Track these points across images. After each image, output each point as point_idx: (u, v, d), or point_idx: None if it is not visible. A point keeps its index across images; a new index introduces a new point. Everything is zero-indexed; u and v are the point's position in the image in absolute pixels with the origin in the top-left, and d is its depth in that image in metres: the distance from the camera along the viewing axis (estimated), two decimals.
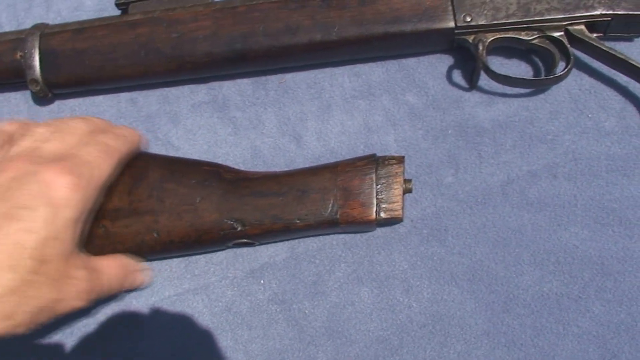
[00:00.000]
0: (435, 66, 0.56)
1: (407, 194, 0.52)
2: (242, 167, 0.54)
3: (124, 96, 0.59)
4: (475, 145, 0.54)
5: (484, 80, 0.55)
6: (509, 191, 0.52)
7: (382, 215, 0.49)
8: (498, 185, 0.53)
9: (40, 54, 0.55)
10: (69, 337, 0.53)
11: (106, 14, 0.59)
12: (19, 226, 0.40)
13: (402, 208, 0.50)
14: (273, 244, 0.53)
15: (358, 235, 0.53)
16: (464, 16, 0.52)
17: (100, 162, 0.46)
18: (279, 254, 0.53)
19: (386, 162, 0.50)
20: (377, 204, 0.49)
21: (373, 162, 0.50)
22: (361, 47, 0.54)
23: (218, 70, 0.56)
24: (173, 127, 0.57)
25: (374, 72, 0.57)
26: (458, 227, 0.52)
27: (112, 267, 0.49)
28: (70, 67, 0.55)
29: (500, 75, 0.52)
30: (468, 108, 0.55)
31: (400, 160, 0.50)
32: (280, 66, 0.56)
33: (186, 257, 0.53)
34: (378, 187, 0.49)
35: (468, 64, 0.55)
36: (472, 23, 0.52)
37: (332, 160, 0.53)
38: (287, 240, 0.53)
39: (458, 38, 0.52)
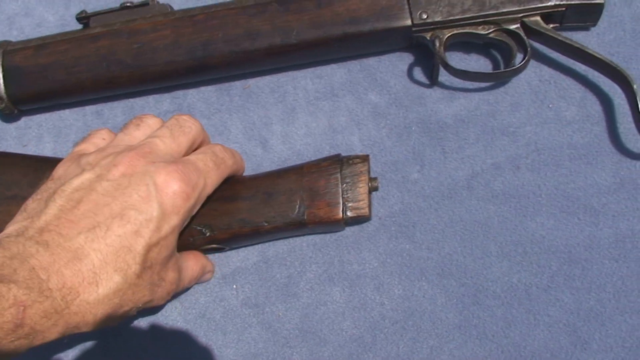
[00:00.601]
0: (395, 64, 0.56)
1: (374, 192, 0.52)
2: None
3: (90, 109, 0.59)
4: (439, 141, 0.54)
5: (444, 76, 0.55)
6: (474, 185, 0.53)
7: (349, 214, 0.49)
8: (463, 180, 0.53)
9: (3, 71, 0.55)
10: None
11: (68, 29, 0.59)
12: (129, 228, 0.40)
13: (369, 206, 0.50)
14: (243, 249, 0.53)
15: (328, 235, 0.53)
16: (420, 14, 0.52)
17: (212, 174, 0.46)
18: (249, 258, 0.53)
19: (351, 162, 0.50)
20: (343, 203, 0.49)
21: (338, 162, 0.50)
22: (321, 49, 0.54)
23: (181, 79, 0.56)
24: None
25: (336, 73, 0.57)
26: (426, 223, 0.52)
27: (194, 268, 0.49)
28: (35, 83, 0.55)
29: (459, 70, 0.52)
30: (430, 104, 0.55)
31: (365, 159, 0.50)
32: (243, 72, 0.56)
33: None
34: (344, 186, 0.49)
35: (428, 60, 0.56)
36: (429, 20, 0.52)
37: (298, 162, 0.53)
38: (257, 243, 0.53)
39: (416, 35, 0.53)
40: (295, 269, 0.52)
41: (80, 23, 0.57)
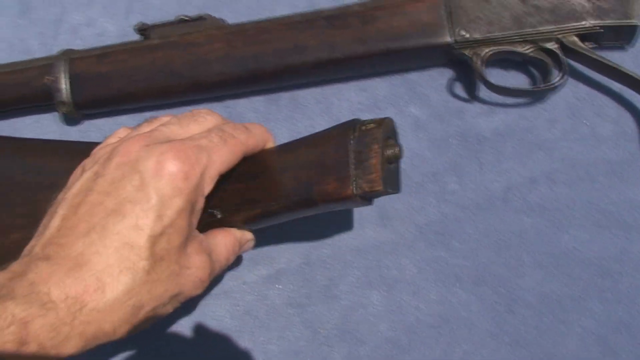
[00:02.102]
0: (436, 79, 0.58)
1: (396, 164, 0.45)
2: None
3: (147, 115, 0.62)
4: (476, 154, 0.56)
5: (483, 91, 0.56)
6: (510, 197, 0.54)
7: (360, 189, 0.41)
8: (499, 191, 0.54)
9: (68, 77, 0.59)
10: None
11: (127, 39, 0.63)
12: (127, 223, 0.37)
13: (384, 178, 0.41)
14: (287, 251, 0.55)
15: (368, 240, 0.55)
16: (460, 31, 0.54)
17: (218, 150, 0.41)
18: (293, 260, 0.55)
19: (363, 128, 0.42)
20: (353, 177, 0.41)
21: (350, 128, 0.43)
22: (365, 63, 0.56)
23: (232, 89, 0.58)
24: None
25: (379, 86, 0.59)
26: (462, 232, 0.54)
27: (227, 244, 0.45)
28: (96, 90, 0.58)
29: (498, 86, 0.54)
30: (469, 118, 0.57)
31: (380, 123, 0.42)
32: (290, 83, 0.59)
33: None
34: (354, 156, 0.41)
35: (467, 76, 0.57)
36: (468, 37, 0.54)
37: None
38: (277, 223, 0.47)
39: (456, 52, 0.54)
40: (337, 272, 0.55)
41: (139, 34, 0.60)
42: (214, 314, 0.55)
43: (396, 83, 0.59)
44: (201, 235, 0.43)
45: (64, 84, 0.59)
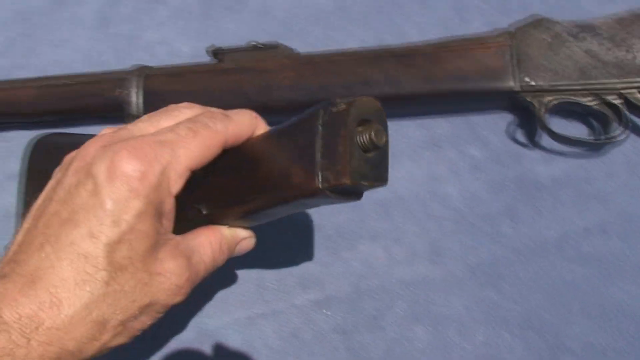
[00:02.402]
0: (497, 122, 0.59)
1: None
2: (313, 212, 0.58)
3: None
4: (533, 200, 0.56)
5: (543, 138, 0.58)
6: (563, 245, 0.55)
7: (326, 181, 0.35)
8: (553, 239, 0.55)
9: (142, 92, 0.61)
10: (139, 353, 0.56)
11: (199, 60, 0.65)
12: (79, 233, 0.34)
13: (351, 169, 0.34)
14: (337, 279, 0.56)
15: (418, 275, 0.56)
16: (525, 78, 0.55)
17: (185, 143, 0.37)
18: (343, 287, 0.56)
19: (334, 110, 0.35)
20: (320, 168, 0.35)
21: (320, 110, 0.36)
22: (428, 101, 0.57)
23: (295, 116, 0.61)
24: None
25: (440, 125, 0.60)
26: (513, 276, 0.55)
27: (211, 244, 0.40)
28: (166, 106, 0.61)
29: (559, 135, 0.55)
30: (527, 164, 0.58)
31: (351, 103, 0.35)
32: None
33: (258, 283, 0.57)
34: (321, 144, 0.35)
35: (529, 121, 0.58)
36: (533, 85, 0.55)
37: (399, 206, 0.57)
38: (268, 222, 0.43)
39: (519, 98, 0.56)
40: (385, 303, 0.56)
41: (212, 57, 0.63)
42: (260, 333, 0.56)
43: (457, 123, 0.60)
44: (177, 238, 0.38)
45: (135, 98, 0.61)
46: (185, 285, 0.38)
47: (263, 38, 0.63)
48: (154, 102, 0.61)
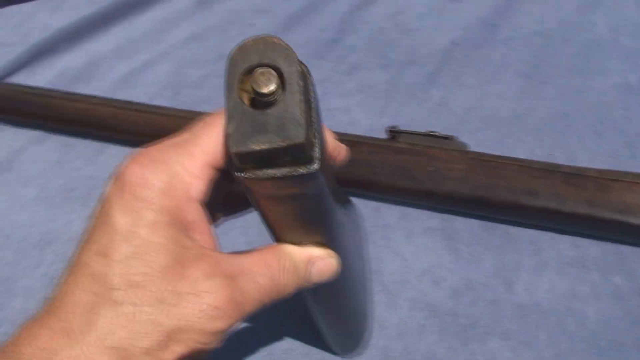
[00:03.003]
0: None
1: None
2: (454, 296, 0.62)
3: (370, 204, 0.70)
4: None
5: None
6: None
7: (226, 157, 0.33)
8: None
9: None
10: None
11: (374, 133, 0.72)
12: (92, 251, 0.32)
13: (231, 130, 0.28)
14: None
15: None
16: None
17: (202, 137, 0.34)
18: None
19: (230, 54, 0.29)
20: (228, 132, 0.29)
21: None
22: (587, 224, 0.60)
23: (456, 206, 0.65)
24: (405, 241, 0.67)
25: (591, 247, 0.63)
26: None
27: (267, 262, 0.36)
28: (340, 169, 0.67)
29: None
30: None
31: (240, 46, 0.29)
32: (511, 219, 0.65)
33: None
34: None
35: None
36: None
37: (535, 313, 0.60)
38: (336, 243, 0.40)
39: None
40: None
41: (389, 135, 0.69)
42: None
43: (608, 250, 0.62)
44: (218, 255, 0.34)
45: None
46: (225, 307, 0.33)
47: (438, 128, 0.69)
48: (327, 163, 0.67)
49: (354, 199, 0.69)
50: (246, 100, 0.28)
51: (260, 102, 0.27)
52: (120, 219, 0.32)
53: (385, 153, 0.67)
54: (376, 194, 0.67)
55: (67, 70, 0.90)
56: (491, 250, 0.64)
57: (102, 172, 0.80)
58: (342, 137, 0.68)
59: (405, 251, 0.66)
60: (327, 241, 0.38)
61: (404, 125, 0.72)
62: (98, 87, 0.88)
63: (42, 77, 0.92)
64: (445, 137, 0.66)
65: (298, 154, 0.28)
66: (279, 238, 0.37)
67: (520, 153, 0.67)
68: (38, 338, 0.30)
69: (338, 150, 0.39)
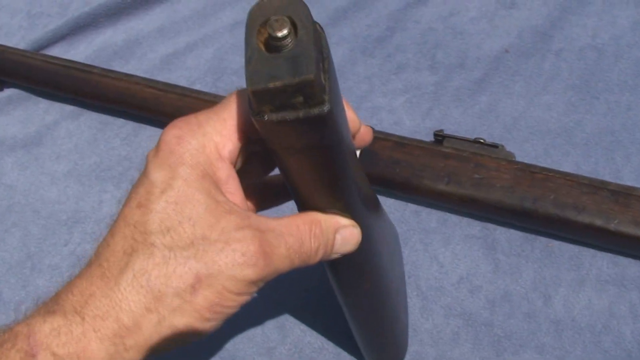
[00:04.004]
0: None
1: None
2: (490, 306, 0.63)
3: (410, 206, 0.70)
4: None
5: None
6: None
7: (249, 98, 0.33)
8: None
9: (362, 152, 0.69)
10: None
11: (417, 135, 0.73)
12: (129, 206, 0.36)
13: (250, 72, 0.31)
14: None
15: None
16: None
17: (234, 104, 0.37)
18: None
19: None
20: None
21: None
22: (631, 244, 0.61)
23: (499, 216, 0.66)
24: (443, 247, 0.67)
25: (631, 266, 0.64)
26: None
27: (292, 224, 0.37)
28: (383, 169, 0.68)
29: None
30: None
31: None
32: (554, 233, 0.65)
33: None
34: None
35: None
36: None
37: (571, 328, 0.61)
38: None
39: None
40: None
41: (435, 139, 0.69)
42: None
43: None
44: (249, 213, 0.37)
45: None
46: (255, 255, 0.35)
47: (483, 135, 0.70)
48: (372, 163, 0.68)
49: (394, 201, 0.70)
50: (262, 46, 0.31)
51: (275, 46, 0.30)
52: (157, 174, 0.35)
53: (430, 156, 0.67)
54: (418, 196, 0.68)
55: (106, 47, 0.91)
56: (531, 262, 0.65)
57: (138, 153, 0.80)
58: (386, 137, 0.69)
59: (443, 257, 0.67)
60: (350, 209, 0.40)
61: (449, 129, 0.73)
62: (137, 66, 0.88)
63: (79, 51, 0.92)
64: (493, 145, 0.67)
65: (310, 93, 0.30)
66: (304, 204, 0.39)
67: (566, 166, 0.68)
68: (76, 286, 0.34)
69: (359, 125, 0.40)
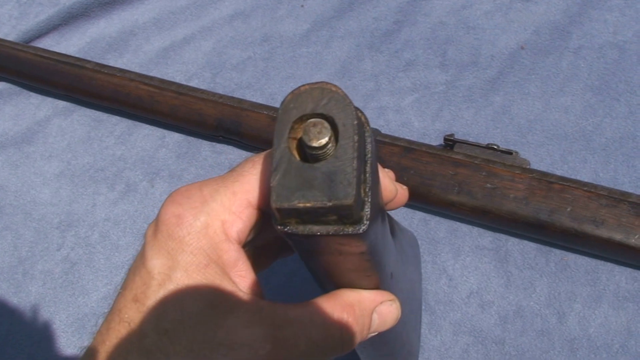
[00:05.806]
0: None
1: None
2: (501, 322, 0.62)
3: (418, 215, 0.69)
4: None
5: None
6: None
7: (272, 210, 0.29)
8: None
9: None
10: None
11: (427, 138, 0.71)
12: (127, 297, 0.32)
13: (276, 185, 0.27)
14: None
15: None
16: None
17: (246, 176, 0.33)
18: None
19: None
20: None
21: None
22: None
23: (513, 228, 0.64)
24: (452, 258, 0.66)
25: None
26: None
27: (317, 313, 0.33)
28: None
29: None
30: None
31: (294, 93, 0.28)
32: (570, 246, 0.63)
33: None
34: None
35: None
36: None
37: (586, 347, 0.59)
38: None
39: None
40: None
41: (445, 144, 0.67)
42: None
43: None
44: (263, 302, 0.32)
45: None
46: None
47: (495, 137, 0.68)
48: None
49: (401, 208, 0.68)
50: (295, 150, 0.27)
51: (310, 155, 0.27)
52: (155, 262, 0.31)
53: (440, 164, 0.66)
54: (426, 205, 0.67)
55: (100, 38, 0.89)
56: (545, 276, 0.64)
57: (132, 153, 0.79)
58: (393, 142, 0.67)
59: (452, 269, 0.66)
60: (385, 284, 0.36)
61: (460, 131, 0.71)
62: (132, 60, 0.86)
63: (71, 42, 0.90)
64: (507, 152, 0.65)
65: (346, 214, 0.27)
66: (329, 284, 0.35)
67: (583, 174, 0.66)
68: None
69: (395, 194, 0.36)
